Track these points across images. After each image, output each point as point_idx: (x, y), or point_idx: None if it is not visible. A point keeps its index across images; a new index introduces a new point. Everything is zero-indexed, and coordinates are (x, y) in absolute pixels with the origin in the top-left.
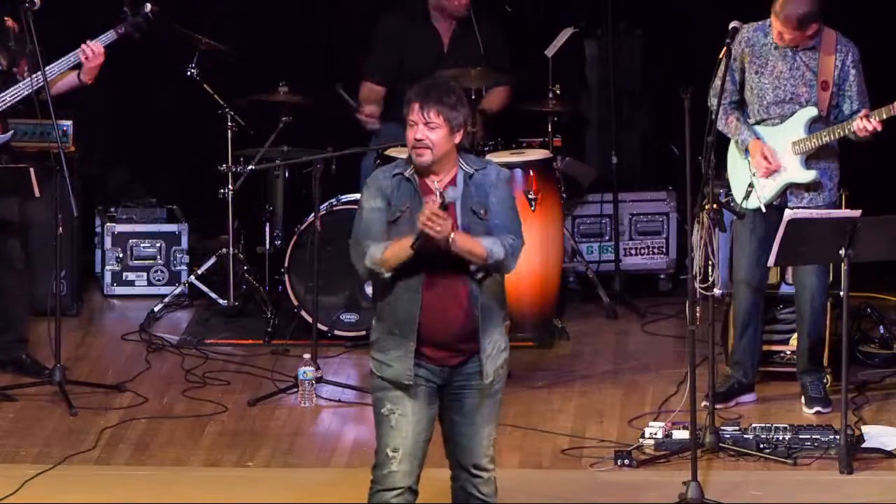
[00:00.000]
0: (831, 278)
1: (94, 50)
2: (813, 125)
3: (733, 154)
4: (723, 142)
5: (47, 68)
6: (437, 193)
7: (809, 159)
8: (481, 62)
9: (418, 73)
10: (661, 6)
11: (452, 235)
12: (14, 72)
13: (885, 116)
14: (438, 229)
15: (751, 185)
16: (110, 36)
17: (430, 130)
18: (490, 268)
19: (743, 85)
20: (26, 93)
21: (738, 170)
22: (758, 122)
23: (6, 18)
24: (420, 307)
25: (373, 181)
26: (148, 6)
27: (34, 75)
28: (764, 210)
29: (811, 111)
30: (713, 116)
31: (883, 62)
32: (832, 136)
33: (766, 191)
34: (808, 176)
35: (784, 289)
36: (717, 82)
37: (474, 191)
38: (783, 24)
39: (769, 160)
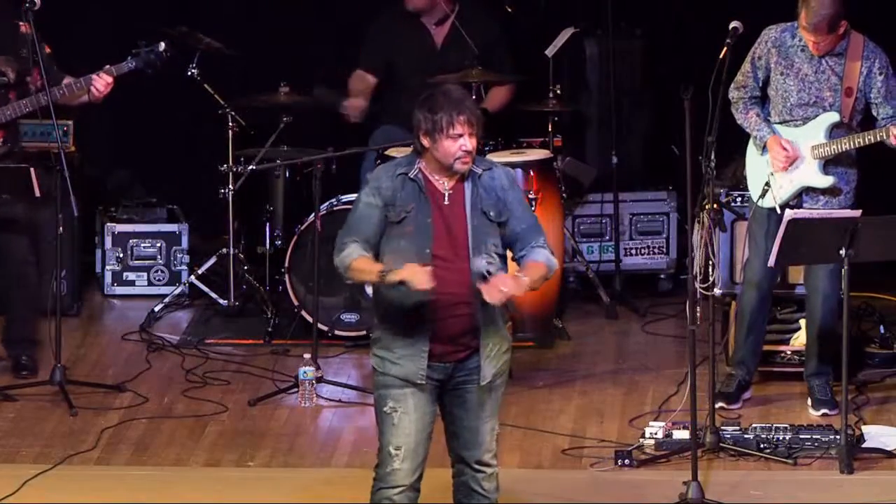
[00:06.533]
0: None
1: (104, 85)
2: (834, 130)
3: (751, 151)
4: (723, 142)
5: (64, 83)
6: (479, 274)
7: (828, 164)
8: (476, 61)
9: (410, 72)
10: (661, 6)
11: (524, 280)
12: (27, 81)
13: None
14: (513, 293)
15: (767, 183)
16: (126, 66)
17: (472, 139)
18: (548, 278)
19: (766, 83)
20: (30, 109)
21: (756, 168)
22: (780, 123)
23: (21, 24)
24: (430, 309)
25: (375, 179)
26: (162, 45)
27: (41, 94)
28: (779, 210)
29: (833, 116)
30: (712, 109)
31: None
32: (853, 144)
33: (782, 191)
34: (826, 181)
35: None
36: (739, 77)
37: (483, 192)
38: (815, 33)
39: (788, 150)
